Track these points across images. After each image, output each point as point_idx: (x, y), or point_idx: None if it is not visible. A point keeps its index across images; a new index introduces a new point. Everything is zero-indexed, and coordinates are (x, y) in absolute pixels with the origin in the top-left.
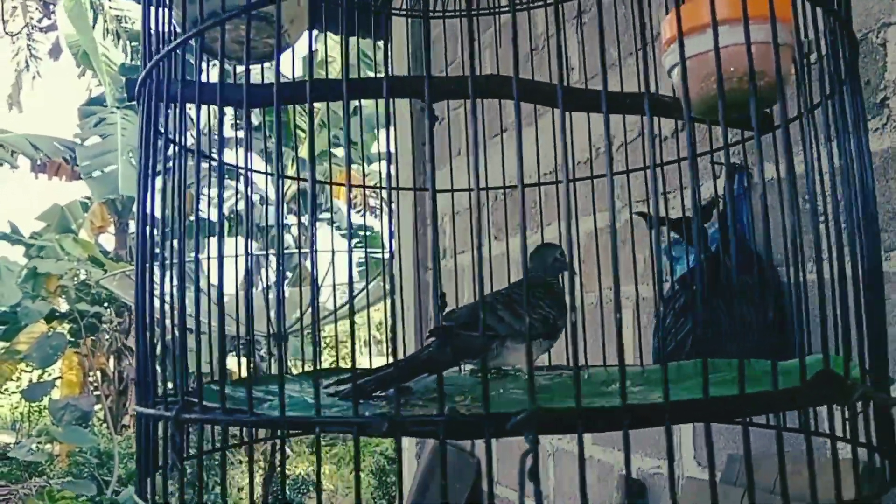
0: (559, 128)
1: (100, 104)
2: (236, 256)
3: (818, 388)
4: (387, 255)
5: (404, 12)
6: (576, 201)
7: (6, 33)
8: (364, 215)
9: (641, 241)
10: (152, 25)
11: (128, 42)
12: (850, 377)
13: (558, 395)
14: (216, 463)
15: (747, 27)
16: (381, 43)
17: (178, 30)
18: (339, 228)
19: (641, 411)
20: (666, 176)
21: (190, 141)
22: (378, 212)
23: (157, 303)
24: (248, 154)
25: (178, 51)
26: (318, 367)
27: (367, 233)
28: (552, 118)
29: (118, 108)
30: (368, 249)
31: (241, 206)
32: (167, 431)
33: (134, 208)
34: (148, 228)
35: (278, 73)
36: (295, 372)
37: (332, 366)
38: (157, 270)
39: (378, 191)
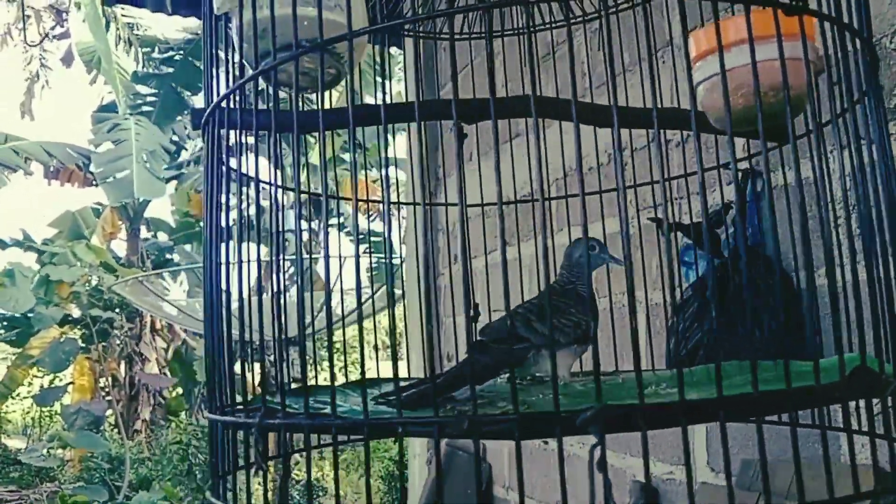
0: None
1: (112, 111)
2: (258, 261)
3: (856, 382)
4: (397, 262)
5: (422, 34)
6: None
7: (24, 42)
8: (368, 219)
9: (653, 246)
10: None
11: (139, 49)
12: (884, 373)
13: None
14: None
15: (780, 42)
16: (388, 50)
17: (247, 63)
18: (349, 234)
19: (699, 406)
20: (677, 182)
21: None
22: (392, 218)
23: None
24: (324, 177)
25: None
26: (397, 375)
27: (377, 238)
28: (560, 125)
29: (131, 114)
30: (379, 254)
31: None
32: (243, 438)
33: (146, 214)
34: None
35: (351, 99)
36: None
37: (367, 376)
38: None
39: (388, 196)
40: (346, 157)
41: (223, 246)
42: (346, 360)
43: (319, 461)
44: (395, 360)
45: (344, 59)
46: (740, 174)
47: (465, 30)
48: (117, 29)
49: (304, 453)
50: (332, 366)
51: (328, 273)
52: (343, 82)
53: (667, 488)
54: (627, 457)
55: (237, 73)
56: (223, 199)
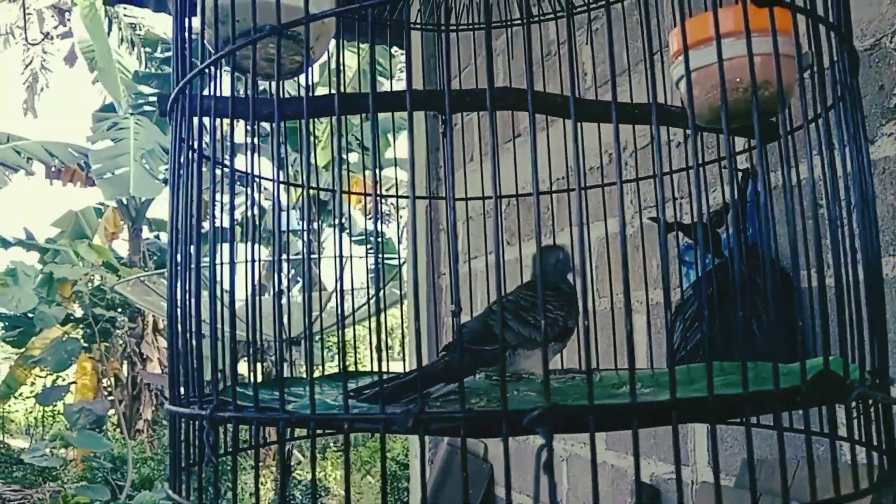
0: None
1: (114, 110)
2: (254, 261)
3: (817, 387)
4: (397, 262)
5: (420, 26)
6: (584, 207)
7: (25, 41)
8: (368, 220)
9: (654, 246)
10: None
11: (142, 49)
12: (849, 378)
13: (571, 397)
14: (229, 467)
15: (749, 36)
16: (393, 50)
17: (211, 48)
18: (350, 234)
19: (651, 408)
20: (678, 181)
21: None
22: (389, 218)
23: (188, 306)
24: (277, 170)
25: (210, 68)
26: (345, 370)
27: (379, 238)
28: (563, 124)
29: (132, 113)
30: (380, 255)
31: (260, 214)
32: (198, 430)
33: (147, 214)
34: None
35: (308, 88)
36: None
37: (341, 370)
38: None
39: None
40: (351, 157)
41: (185, 235)
42: (345, 359)
43: (321, 461)
44: (343, 356)
45: (311, 47)
46: (740, 174)
47: (464, 23)
48: (120, 29)
49: (253, 449)
50: (280, 359)
51: (281, 271)
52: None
53: (667, 488)
54: (628, 456)
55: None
56: (187, 186)
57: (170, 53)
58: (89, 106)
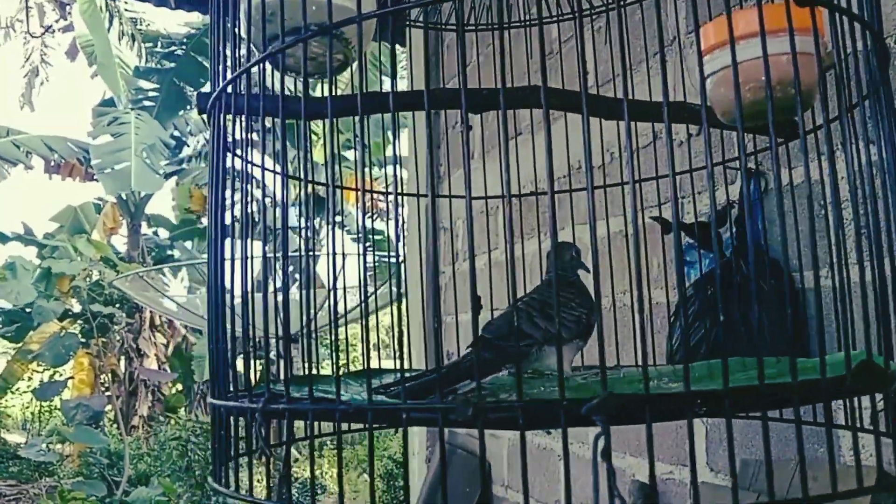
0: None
1: (114, 105)
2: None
3: (861, 377)
4: (397, 260)
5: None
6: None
7: (27, 32)
8: (370, 218)
9: (655, 245)
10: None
11: (142, 44)
12: (889, 369)
13: (598, 392)
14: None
15: (792, 35)
16: (390, 46)
17: (254, 48)
18: (349, 232)
19: (704, 396)
20: (679, 181)
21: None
22: (388, 216)
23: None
24: (331, 164)
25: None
26: (402, 363)
27: (378, 236)
28: (565, 122)
29: (132, 108)
30: (379, 253)
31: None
32: (241, 423)
33: (146, 210)
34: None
35: (362, 86)
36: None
37: (360, 368)
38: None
39: (389, 195)
40: (348, 154)
41: (227, 232)
42: (348, 358)
43: (318, 459)
44: (400, 349)
45: (352, 45)
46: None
47: (471, 21)
48: (120, 24)
49: (308, 440)
50: (336, 354)
51: (334, 266)
52: (350, 68)
53: (666, 488)
54: (627, 456)
55: (244, 57)
56: (228, 186)
57: (170, 49)
58: (89, 101)
